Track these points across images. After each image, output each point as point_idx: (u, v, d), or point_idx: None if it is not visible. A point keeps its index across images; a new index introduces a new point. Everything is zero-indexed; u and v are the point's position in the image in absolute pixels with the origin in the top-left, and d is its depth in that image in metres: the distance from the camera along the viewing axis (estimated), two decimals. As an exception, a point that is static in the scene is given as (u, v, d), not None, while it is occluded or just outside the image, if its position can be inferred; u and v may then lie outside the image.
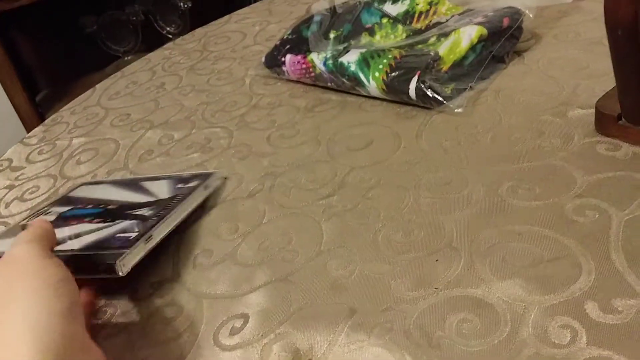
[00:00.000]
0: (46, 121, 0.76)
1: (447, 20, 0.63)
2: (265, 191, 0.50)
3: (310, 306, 0.38)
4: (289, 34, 0.71)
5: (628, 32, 0.39)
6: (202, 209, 0.49)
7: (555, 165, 0.44)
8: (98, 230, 0.44)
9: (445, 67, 0.56)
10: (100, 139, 0.67)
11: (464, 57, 0.57)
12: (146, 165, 0.59)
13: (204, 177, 0.51)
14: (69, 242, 0.43)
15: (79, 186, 0.56)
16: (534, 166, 0.45)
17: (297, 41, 0.68)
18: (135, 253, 0.41)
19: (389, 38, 0.64)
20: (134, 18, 1.88)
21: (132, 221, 0.45)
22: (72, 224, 0.46)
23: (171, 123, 0.65)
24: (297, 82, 0.66)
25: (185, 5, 1.91)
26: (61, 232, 0.44)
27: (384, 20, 0.66)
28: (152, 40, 1.63)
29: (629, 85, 0.43)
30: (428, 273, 0.38)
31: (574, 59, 0.58)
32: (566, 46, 0.61)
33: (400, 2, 0.68)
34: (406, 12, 0.66)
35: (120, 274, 0.39)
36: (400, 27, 0.65)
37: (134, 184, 0.53)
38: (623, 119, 0.45)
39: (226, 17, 0.95)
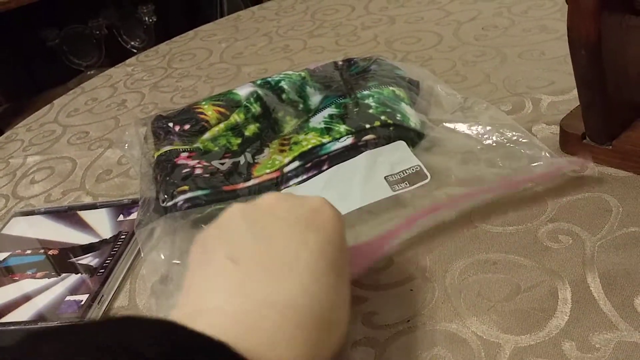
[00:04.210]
0: (-1, 138, 0.73)
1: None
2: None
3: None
4: None
5: (591, 51, 0.38)
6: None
7: (525, 187, 0.43)
8: (45, 291, 0.42)
9: None
10: (56, 158, 0.64)
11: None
12: (104, 186, 0.56)
13: None
14: (19, 308, 0.41)
15: (11, 218, 0.53)
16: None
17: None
18: None
19: None
20: (97, 32, 1.84)
21: (80, 276, 0.43)
22: (16, 279, 0.44)
23: (132, 142, 0.62)
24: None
25: (151, 20, 1.88)
26: (6, 293, 0.43)
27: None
28: (116, 55, 1.60)
29: (593, 105, 0.43)
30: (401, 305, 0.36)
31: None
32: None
33: None
34: None
35: None
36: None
37: (71, 216, 0.51)
38: (587, 137, 0.44)
39: (191, 33, 0.93)
